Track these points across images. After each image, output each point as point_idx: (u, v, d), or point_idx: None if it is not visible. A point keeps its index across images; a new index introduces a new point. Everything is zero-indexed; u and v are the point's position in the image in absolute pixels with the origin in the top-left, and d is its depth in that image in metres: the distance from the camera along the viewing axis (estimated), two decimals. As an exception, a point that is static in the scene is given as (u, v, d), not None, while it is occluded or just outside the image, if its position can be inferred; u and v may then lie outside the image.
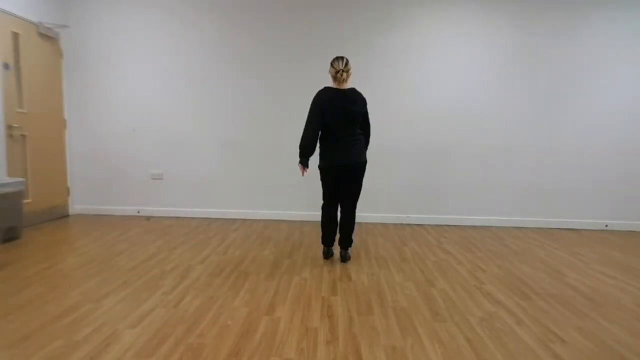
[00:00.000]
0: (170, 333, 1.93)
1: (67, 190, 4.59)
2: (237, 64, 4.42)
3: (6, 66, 3.73)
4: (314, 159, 3.07)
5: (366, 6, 4.29)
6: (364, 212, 4.48)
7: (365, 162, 3.02)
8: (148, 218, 4.49)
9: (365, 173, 4.39)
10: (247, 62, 4.41)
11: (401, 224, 4.50)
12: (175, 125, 4.52)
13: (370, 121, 3.21)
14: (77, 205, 4.66)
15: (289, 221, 4.49)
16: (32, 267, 2.82)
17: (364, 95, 3.03)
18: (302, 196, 4.53)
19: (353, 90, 2.96)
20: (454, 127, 4.39)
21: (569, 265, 3.13)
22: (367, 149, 3.11)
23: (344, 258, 3.09)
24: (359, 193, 3.08)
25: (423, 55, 4.33)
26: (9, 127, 3.76)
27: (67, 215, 4.56)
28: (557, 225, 4.45)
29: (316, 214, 4.51)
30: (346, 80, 2.91)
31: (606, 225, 4.43)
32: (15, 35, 3.84)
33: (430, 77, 4.35)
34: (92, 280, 2.59)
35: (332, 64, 2.89)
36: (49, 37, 4.23)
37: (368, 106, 3.13)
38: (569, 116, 4.34)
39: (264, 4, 4.33)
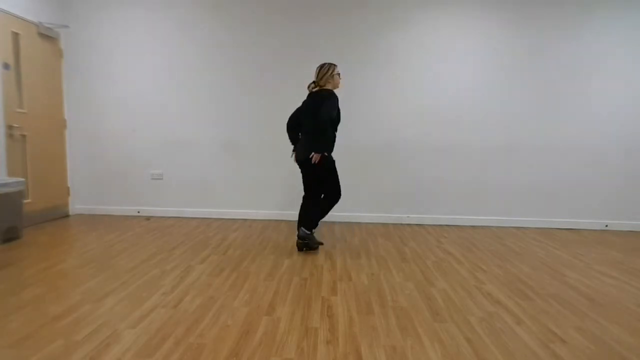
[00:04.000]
0: (170, 333, 1.93)
1: (67, 190, 4.59)
2: (237, 65, 4.42)
3: (6, 66, 3.73)
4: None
5: (366, 8, 4.29)
6: (364, 212, 4.49)
7: (305, 159, 3.17)
8: (148, 218, 4.49)
9: (365, 172, 4.44)
10: (247, 63, 4.41)
11: (401, 224, 4.50)
12: (175, 125, 4.52)
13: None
14: (77, 205, 4.66)
15: (289, 221, 4.49)
16: (32, 267, 2.82)
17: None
18: (301, 196, 4.52)
19: (318, 90, 3.19)
20: (454, 127, 4.39)
21: (569, 265, 3.13)
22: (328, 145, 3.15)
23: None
24: (315, 188, 3.28)
25: (423, 56, 4.33)
26: (9, 127, 3.76)
27: (67, 215, 4.56)
28: (557, 225, 4.45)
29: (316, 214, 4.52)
30: (319, 86, 3.21)
31: (606, 225, 4.43)
32: (15, 35, 3.84)
33: (431, 78, 4.35)
34: (92, 280, 2.59)
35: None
36: (49, 37, 4.23)
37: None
38: (569, 116, 4.34)
39: (265, 5, 4.33)
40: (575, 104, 4.33)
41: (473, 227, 4.41)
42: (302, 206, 3.37)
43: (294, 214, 4.54)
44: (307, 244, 3.30)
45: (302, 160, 3.21)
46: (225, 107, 4.47)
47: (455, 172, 4.45)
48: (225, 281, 2.63)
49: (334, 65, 3.20)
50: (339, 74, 3.22)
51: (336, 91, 3.20)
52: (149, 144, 4.55)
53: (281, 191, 4.54)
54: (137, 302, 2.27)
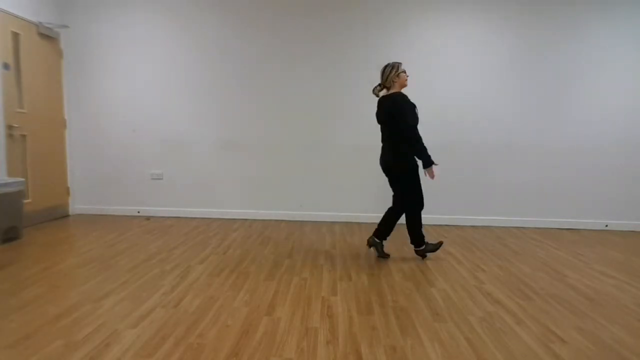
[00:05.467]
0: (170, 333, 1.93)
1: (67, 190, 4.59)
2: (237, 64, 4.42)
3: (6, 66, 3.73)
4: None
5: (367, 8, 4.29)
6: (364, 212, 4.49)
7: (394, 165, 3.07)
8: (148, 218, 4.49)
9: (366, 172, 4.43)
10: (247, 63, 4.41)
11: (401, 224, 4.49)
12: (175, 126, 4.52)
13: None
14: (77, 205, 4.66)
15: (289, 221, 4.49)
16: (32, 267, 2.82)
17: (394, 99, 3.01)
18: (302, 196, 4.53)
19: (386, 96, 3.09)
20: (454, 127, 4.39)
21: (569, 265, 3.13)
22: (409, 152, 3.02)
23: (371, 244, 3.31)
24: (405, 196, 3.14)
25: (422, 56, 4.33)
26: (9, 127, 3.76)
27: (67, 215, 4.56)
28: (557, 225, 4.45)
29: (315, 214, 4.52)
30: (386, 87, 3.10)
31: (606, 225, 4.43)
32: (15, 35, 3.84)
33: (431, 78, 4.35)
34: (92, 280, 2.59)
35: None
36: (49, 37, 4.23)
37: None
38: (569, 116, 4.34)
39: (264, 5, 4.33)
40: (576, 104, 4.33)
41: (473, 227, 4.41)
42: (386, 212, 3.28)
43: (294, 214, 4.55)
44: (426, 251, 3.21)
45: (385, 166, 3.15)
46: (226, 107, 4.47)
47: (455, 172, 4.45)
48: (225, 281, 2.63)
49: (398, 63, 3.03)
50: (404, 72, 3.03)
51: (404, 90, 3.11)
52: (149, 144, 4.55)
53: (281, 191, 4.54)
54: (137, 302, 2.27)
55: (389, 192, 4.46)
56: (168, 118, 4.51)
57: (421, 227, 3.17)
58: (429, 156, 3.01)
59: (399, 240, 3.78)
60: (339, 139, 4.46)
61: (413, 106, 2.99)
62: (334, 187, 4.50)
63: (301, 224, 4.38)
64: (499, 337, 1.97)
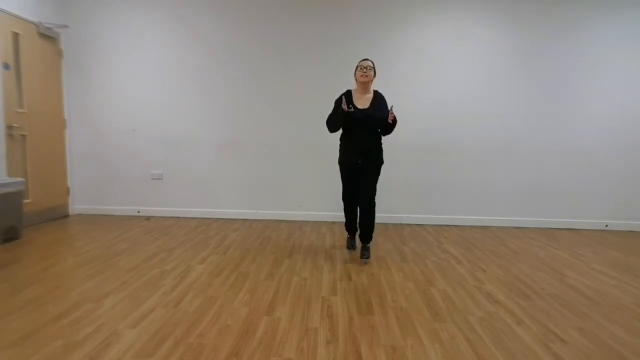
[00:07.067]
0: (170, 333, 1.93)
1: (67, 190, 4.59)
2: (237, 64, 4.41)
3: (6, 66, 3.73)
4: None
5: (366, 7, 4.29)
6: (364, 212, 4.49)
7: None
8: (148, 218, 4.49)
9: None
10: (247, 63, 4.41)
11: (401, 224, 4.50)
12: (175, 125, 4.52)
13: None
14: (77, 205, 4.66)
15: (289, 221, 4.49)
16: (32, 267, 2.82)
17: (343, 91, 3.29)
18: (302, 196, 4.53)
19: None
20: (454, 127, 4.39)
21: (569, 265, 3.13)
22: (341, 144, 3.38)
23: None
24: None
25: (423, 55, 4.33)
26: (9, 127, 3.76)
27: (67, 215, 4.56)
28: (557, 225, 4.45)
29: (315, 214, 4.52)
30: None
31: (606, 225, 4.43)
32: (15, 35, 3.84)
33: (431, 77, 4.35)
34: (92, 280, 2.59)
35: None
36: (49, 37, 4.23)
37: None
38: (569, 116, 4.34)
39: (264, 5, 4.33)
40: (576, 105, 4.33)
41: (473, 227, 4.41)
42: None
43: (293, 214, 4.55)
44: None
45: None
46: (226, 107, 4.47)
47: (455, 172, 4.45)
48: (225, 281, 2.63)
49: (360, 60, 3.13)
50: (358, 68, 3.07)
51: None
52: (149, 144, 4.55)
53: (281, 191, 4.54)
54: (137, 302, 2.27)
55: (388, 192, 4.49)
56: (168, 118, 4.51)
57: (345, 216, 3.41)
58: (333, 115, 3.15)
59: (398, 240, 3.78)
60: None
61: (339, 101, 3.09)
62: (334, 187, 4.49)
63: (301, 224, 4.38)
64: (499, 337, 1.97)
